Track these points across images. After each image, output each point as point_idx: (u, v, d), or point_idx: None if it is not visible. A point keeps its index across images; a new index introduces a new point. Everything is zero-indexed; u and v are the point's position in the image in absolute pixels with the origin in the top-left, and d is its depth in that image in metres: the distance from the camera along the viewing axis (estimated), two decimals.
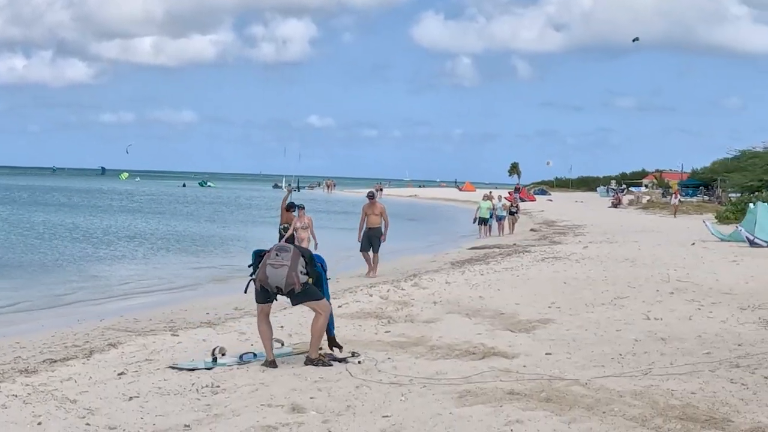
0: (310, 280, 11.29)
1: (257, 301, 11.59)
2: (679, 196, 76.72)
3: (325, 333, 11.62)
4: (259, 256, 11.58)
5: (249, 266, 11.91)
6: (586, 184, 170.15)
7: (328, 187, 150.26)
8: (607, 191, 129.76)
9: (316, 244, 23.96)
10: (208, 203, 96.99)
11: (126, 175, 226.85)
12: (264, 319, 11.53)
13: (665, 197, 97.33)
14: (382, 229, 26.12)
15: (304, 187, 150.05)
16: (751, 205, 38.58)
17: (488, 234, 45.09)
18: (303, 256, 11.33)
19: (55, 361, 12.02)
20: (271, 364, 11.23)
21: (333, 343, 11.91)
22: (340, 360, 11.58)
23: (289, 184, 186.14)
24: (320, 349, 11.63)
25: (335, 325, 12.32)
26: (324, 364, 11.29)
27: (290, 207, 25.86)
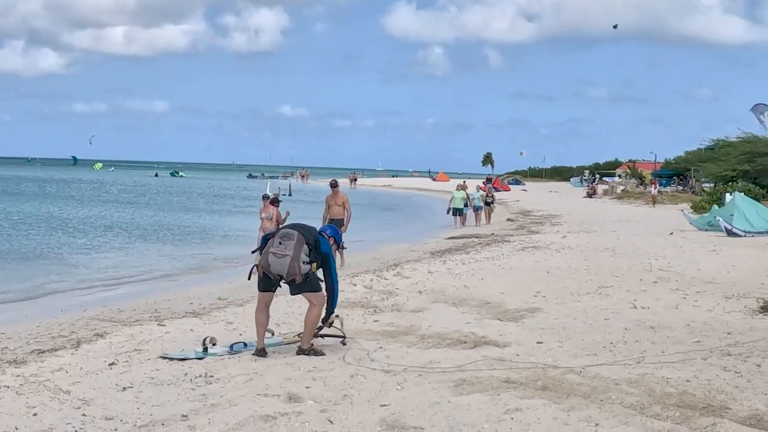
0: (314, 266, 11.21)
1: (259, 289, 11.50)
2: (657, 186, 77.01)
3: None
4: (266, 241, 11.48)
5: (252, 252, 11.87)
6: (560, 174, 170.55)
7: (302, 176, 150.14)
8: (581, 181, 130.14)
9: None
10: (182, 193, 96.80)
11: (100, 165, 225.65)
12: (263, 309, 11.45)
13: (639, 187, 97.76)
14: (345, 220, 25.75)
15: (276, 177, 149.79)
16: (728, 195, 38.82)
17: (463, 224, 44.97)
18: (308, 243, 11.15)
19: (43, 352, 11.95)
20: (261, 352, 11.19)
21: (326, 320, 11.70)
22: (323, 336, 11.64)
23: (263, 174, 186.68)
24: (323, 325, 11.63)
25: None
26: (316, 353, 11.26)
27: (274, 201, 25.88)
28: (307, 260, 11.09)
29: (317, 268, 11.36)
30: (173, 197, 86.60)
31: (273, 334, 12.08)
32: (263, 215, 25.26)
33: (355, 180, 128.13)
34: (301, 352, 11.32)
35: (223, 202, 77.18)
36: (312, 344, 11.44)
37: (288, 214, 25.12)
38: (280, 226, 11.85)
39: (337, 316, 11.80)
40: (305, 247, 11.10)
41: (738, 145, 78.03)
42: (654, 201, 67.19)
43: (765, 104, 45.92)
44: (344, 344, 11.73)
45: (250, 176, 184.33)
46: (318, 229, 11.83)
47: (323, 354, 11.28)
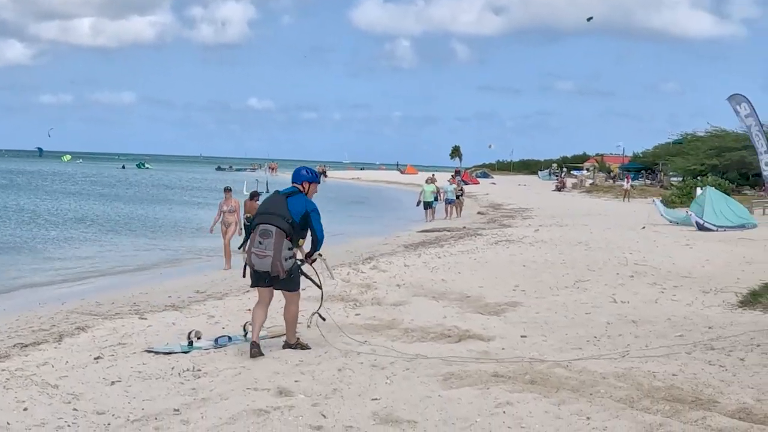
0: (300, 242, 11.03)
1: (251, 285, 11.39)
2: (630, 180, 77.44)
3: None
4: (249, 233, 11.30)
5: (239, 248, 11.83)
6: (528, 167, 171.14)
7: (271, 169, 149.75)
8: (550, 175, 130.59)
9: (240, 229, 23.88)
10: (152, 185, 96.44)
11: (68, 157, 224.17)
12: (261, 305, 11.21)
13: (608, 181, 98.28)
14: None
15: (243, 170, 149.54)
16: (698, 189, 39.07)
17: (433, 217, 45.00)
18: (287, 234, 10.84)
19: (26, 346, 11.86)
20: (255, 345, 10.93)
21: (309, 256, 11.40)
22: (306, 276, 11.36)
23: (230, 167, 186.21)
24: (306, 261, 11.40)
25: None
26: (303, 347, 11.27)
27: (253, 195, 25.82)
28: (289, 254, 10.92)
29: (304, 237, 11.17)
30: (143, 189, 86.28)
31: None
32: (225, 208, 24.98)
33: (325, 173, 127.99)
34: (287, 346, 11.32)
35: (194, 194, 76.94)
36: (298, 338, 11.44)
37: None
38: (257, 217, 11.35)
39: (320, 254, 11.51)
40: (286, 241, 10.88)
41: (706, 139, 78.67)
42: (627, 195, 67.51)
43: (742, 95, 46.01)
44: (332, 278, 11.51)
45: (218, 168, 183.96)
46: (287, 189, 11.38)
47: (309, 348, 11.29)
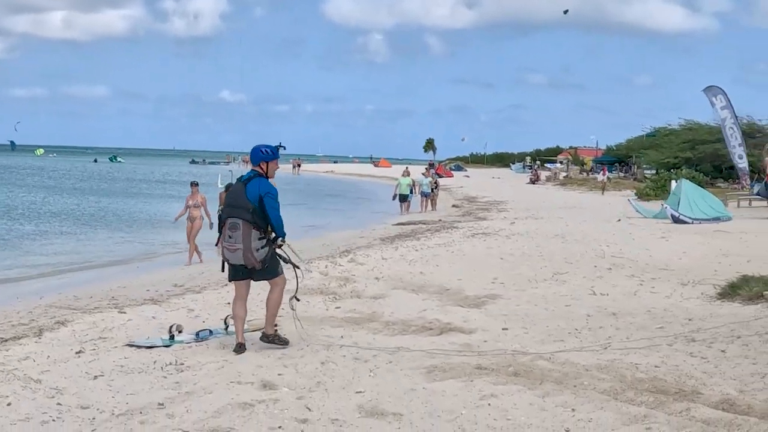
0: (269, 232, 10.77)
1: (229, 279, 11.22)
2: (606, 173, 77.67)
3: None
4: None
5: (216, 245, 11.73)
6: (501, 160, 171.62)
7: (245, 162, 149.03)
8: (524, 167, 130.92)
9: (210, 224, 23.78)
10: (125, 179, 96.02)
11: (41, 151, 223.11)
12: (239, 301, 11.05)
13: (582, 174, 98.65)
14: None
15: (217, 163, 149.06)
16: (673, 182, 39.21)
17: (408, 210, 45.02)
18: (254, 225, 10.60)
19: (6, 340, 11.75)
20: (240, 347, 10.74)
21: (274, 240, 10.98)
22: (280, 257, 11.09)
23: (204, 160, 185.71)
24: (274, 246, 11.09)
25: None
26: (280, 340, 11.05)
27: (228, 188, 25.67)
28: (261, 244, 10.69)
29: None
30: (117, 183, 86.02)
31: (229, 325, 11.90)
32: (191, 202, 24.83)
33: (299, 166, 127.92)
34: (264, 338, 11.07)
35: (168, 188, 76.70)
36: (276, 330, 11.18)
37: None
38: (224, 210, 11.08)
39: (283, 242, 11.07)
40: (254, 231, 10.65)
41: (680, 132, 78.97)
42: (604, 188, 67.75)
43: (718, 87, 46.35)
44: (299, 267, 11.33)
45: (192, 162, 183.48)
46: (247, 174, 11.06)
47: (287, 342, 11.07)
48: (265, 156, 11.03)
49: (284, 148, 11.62)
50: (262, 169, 11.01)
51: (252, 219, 10.63)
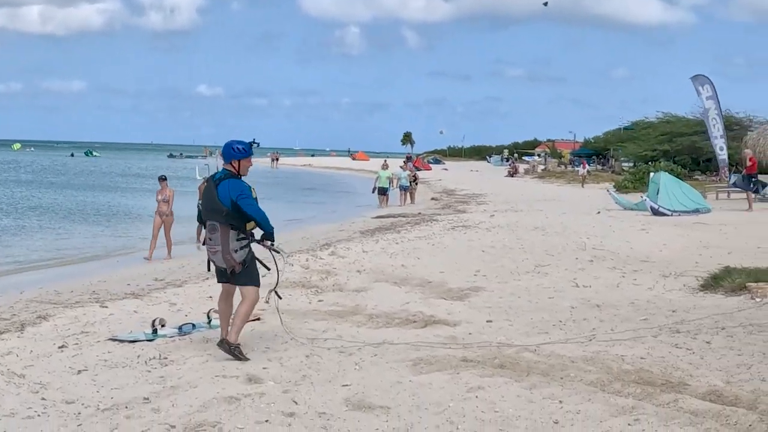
0: (249, 226, 10.31)
1: (217, 281, 10.82)
2: (586, 166, 77.83)
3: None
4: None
5: (199, 249, 11.58)
6: (479, 153, 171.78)
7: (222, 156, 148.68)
8: (502, 160, 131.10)
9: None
10: (103, 174, 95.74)
11: (19, 145, 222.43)
12: (224, 298, 10.71)
13: (560, 166, 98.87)
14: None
15: (195, 157, 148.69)
16: (651, 174, 39.28)
17: (387, 204, 44.95)
18: (232, 225, 10.20)
19: None
20: (224, 342, 10.22)
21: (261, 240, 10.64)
22: (267, 247, 10.67)
23: (181, 154, 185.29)
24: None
25: None
26: (240, 355, 10.08)
27: (207, 181, 25.59)
28: (240, 245, 10.25)
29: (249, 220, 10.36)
30: (94, 177, 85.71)
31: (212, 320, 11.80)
32: (159, 197, 24.69)
33: (277, 159, 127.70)
34: (223, 344, 10.15)
35: (145, 182, 76.36)
36: (239, 344, 10.24)
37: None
38: (203, 213, 10.69)
39: (272, 244, 10.64)
40: (232, 232, 10.22)
41: (658, 125, 79.23)
42: (583, 180, 67.88)
43: (705, 76, 46.52)
44: (287, 262, 11.23)
45: (170, 156, 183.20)
46: (219, 174, 10.62)
47: (246, 360, 10.04)
48: (237, 154, 10.53)
49: (258, 145, 11.28)
50: (234, 167, 10.56)
51: (227, 221, 10.25)
